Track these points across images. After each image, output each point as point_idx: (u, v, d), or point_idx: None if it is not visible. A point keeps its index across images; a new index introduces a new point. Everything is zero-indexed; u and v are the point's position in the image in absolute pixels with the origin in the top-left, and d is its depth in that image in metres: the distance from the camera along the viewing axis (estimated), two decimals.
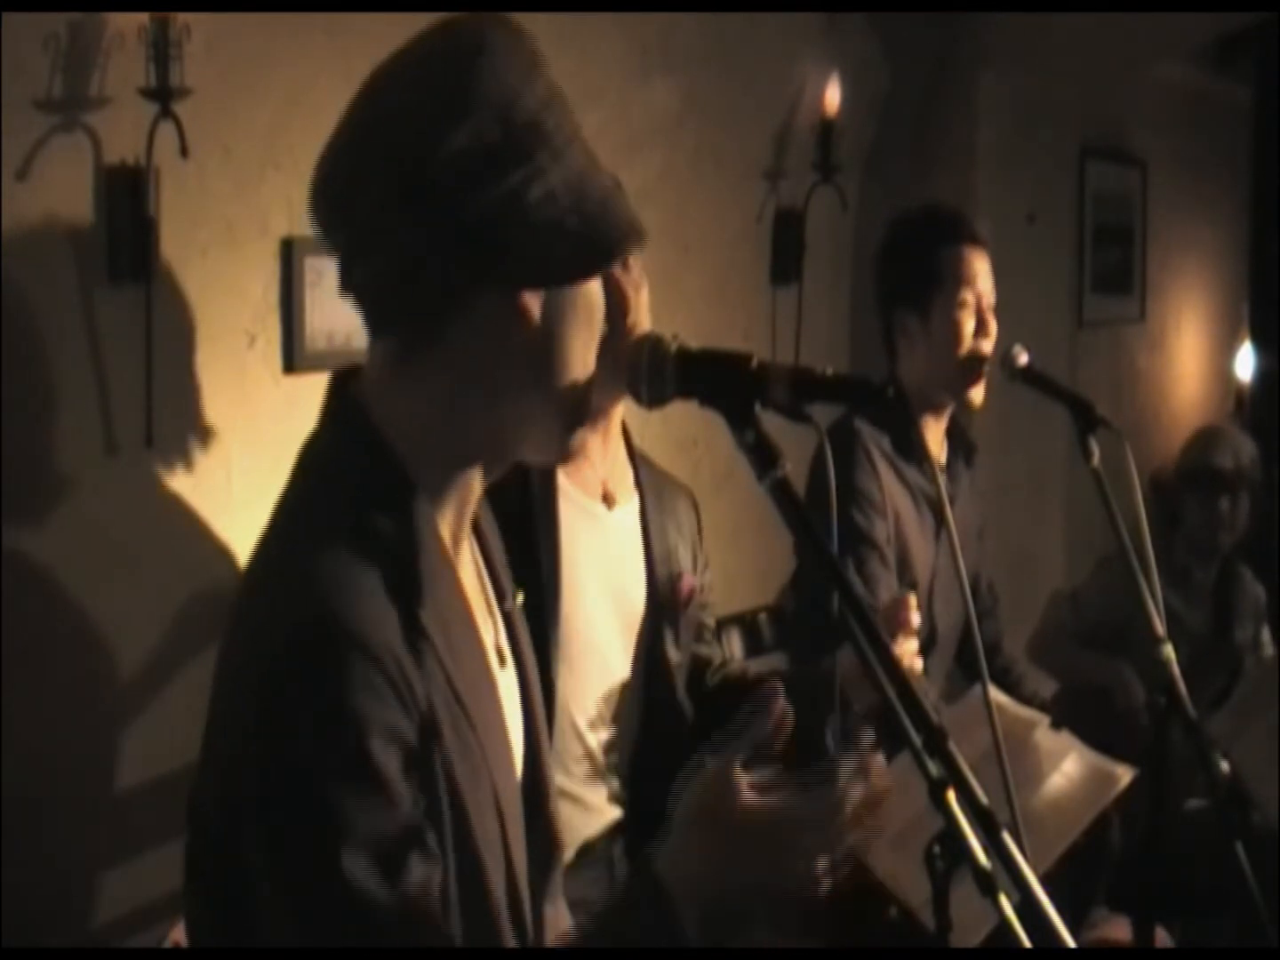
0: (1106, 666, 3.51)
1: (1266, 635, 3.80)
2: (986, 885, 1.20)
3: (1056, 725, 2.54)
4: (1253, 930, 2.19)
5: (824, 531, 1.30)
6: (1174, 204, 5.94)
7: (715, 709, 2.26)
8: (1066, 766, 2.48)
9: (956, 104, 4.32)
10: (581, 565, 2.19)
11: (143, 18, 2.41)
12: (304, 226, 2.64)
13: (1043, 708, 2.80)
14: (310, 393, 1.41)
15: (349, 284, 1.30)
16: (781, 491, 1.28)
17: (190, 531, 2.63)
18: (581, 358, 1.34)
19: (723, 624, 2.93)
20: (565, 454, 1.39)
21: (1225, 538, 3.70)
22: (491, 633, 1.41)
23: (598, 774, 2.23)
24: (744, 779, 1.25)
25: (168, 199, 2.53)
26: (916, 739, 1.22)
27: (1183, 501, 3.72)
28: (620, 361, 1.39)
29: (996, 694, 2.41)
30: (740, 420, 1.31)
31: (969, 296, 2.81)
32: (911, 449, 2.83)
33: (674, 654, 2.28)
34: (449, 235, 1.24)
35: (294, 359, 2.75)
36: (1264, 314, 6.10)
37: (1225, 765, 2.18)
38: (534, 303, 1.28)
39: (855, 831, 1.26)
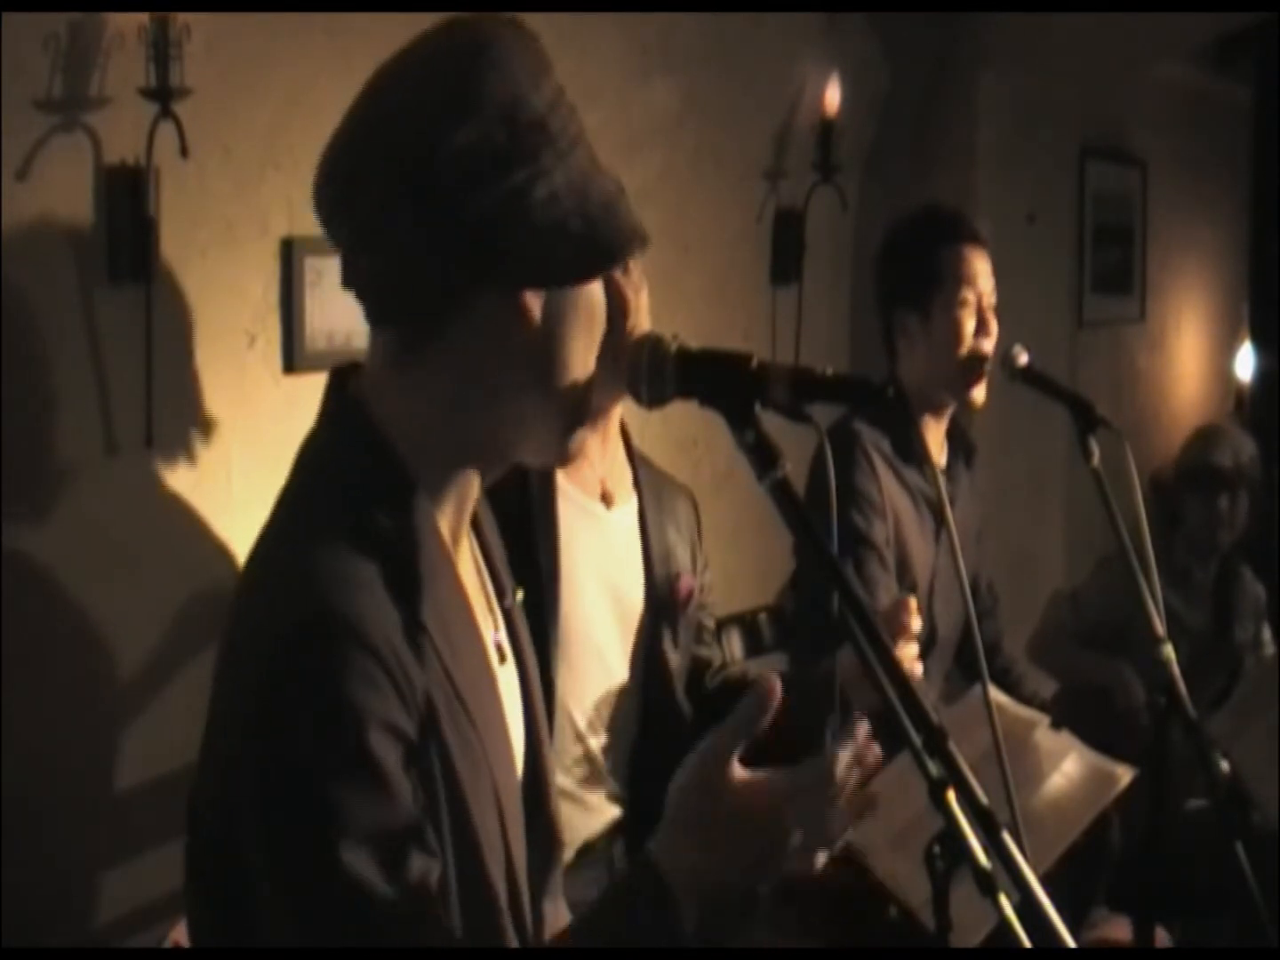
0: (1106, 666, 3.50)
1: (1267, 635, 3.80)
2: (986, 885, 1.19)
3: (1056, 725, 2.54)
4: (1253, 930, 2.19)
5: (824, 532, 1.30)
6: (1174, 204, 5.94)
7: (715, 711, 2.26)
8: (1066, 766, 2.48)
9: (956, 104, 4.32)
10: (580, 565, 2.18)
11: (143, 18, 2.42)
12: (304, 226, 2.66)
13: (1043, 708, 2.80)
14: (310, 392, 1.41)
15: (351, 280, 1.30)
16: (781, 492, 1.28)
17: (190, 531, 2.63)
18: (582, 359, 1.33)
19: (723, 624, 2.93)
20: (565, 456, 1.39)
21: (1225, 537, 3.70)
22: (491, 630, 1.41)
23: (596, 773, 2.23)
24: (734, 754, 1.24)
25: (168, 199, 2.53)
26: (916, 739, 1.22)
27: (1182, 501, 3.71)
28: (620, 362, 1.38)
29: (996, 694, 2.41)
30: (740, 420, 1.30)
31: (969, 296, 2.81)
32: (911, 450, 2.83)
33: (673, 654, 2.28)
34: (450, 234, 1.24)
35: (294, 359, 2.75)
36: (1264, 314, 6.10)
37: (1225, 765, 2.17)
38: (535, 303, 1.28)
39: (846, 800, 1.26)
